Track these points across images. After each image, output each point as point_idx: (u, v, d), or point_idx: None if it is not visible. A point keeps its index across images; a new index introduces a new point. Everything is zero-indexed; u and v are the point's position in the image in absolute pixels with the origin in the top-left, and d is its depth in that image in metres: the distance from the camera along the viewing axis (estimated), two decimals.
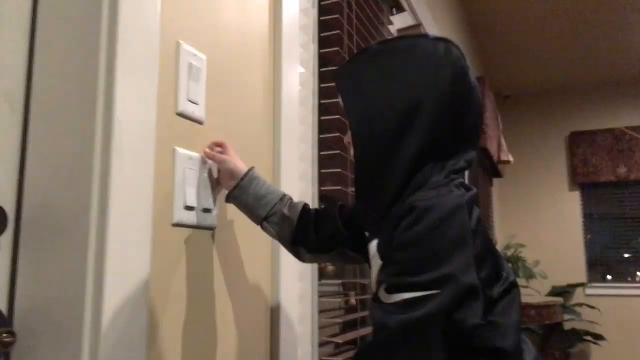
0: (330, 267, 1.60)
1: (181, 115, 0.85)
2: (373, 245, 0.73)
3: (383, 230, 0.70)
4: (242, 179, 0.90)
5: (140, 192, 0.73)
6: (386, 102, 0.72)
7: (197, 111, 0.89)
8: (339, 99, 0.79)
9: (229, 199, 0.92)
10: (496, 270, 0.70)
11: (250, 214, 0.92)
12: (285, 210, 0.90)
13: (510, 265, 3.34)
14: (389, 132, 0.71)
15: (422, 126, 0.71)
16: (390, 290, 0.63)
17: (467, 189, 0.71)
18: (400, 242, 0.65)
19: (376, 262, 0.71)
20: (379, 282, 0.66)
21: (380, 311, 0.63)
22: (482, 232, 0.70)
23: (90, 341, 0.66)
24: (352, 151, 0.77)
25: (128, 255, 0.70)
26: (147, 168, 0.75)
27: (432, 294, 0.60)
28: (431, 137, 0.71)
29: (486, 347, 0.64)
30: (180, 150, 0.84)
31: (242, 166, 0.92)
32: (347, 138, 0.80)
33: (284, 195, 0.93)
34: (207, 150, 0.90)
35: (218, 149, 0.92)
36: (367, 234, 0.77)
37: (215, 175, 0.92)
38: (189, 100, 0.87)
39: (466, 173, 3.27)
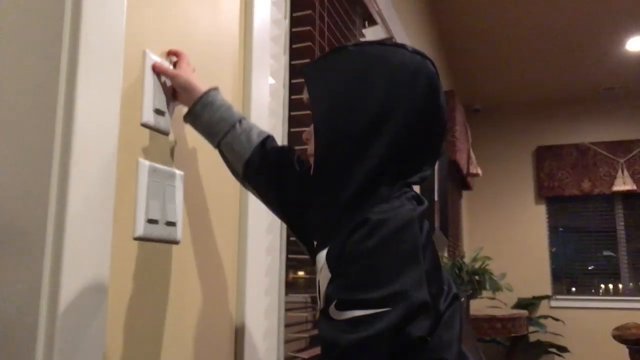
0: (298, 280, 1.59)
1: (146, 126, 0.83)
2: (322, 255, 0.69)
3: (334, 240, 0.67)
4: (195, 103, 0.86)
5: (101, 205, 0.71)
6: (356, 105, 0.70)
7: (163, 122, 0.86)
8: (305, 93, 0.76)
9: (185, 120, 0.89)
10: (441, 284, 0.70)
11: (208, 139, 0.89)
12: (235, 144, 0.85)
13: (477, 277, 3.37)
14: (354, 137, 0.69)
15: (387, 137, 0.69)
16: (341, 306, 0.61)
17: (419, 202, 0.70)
18: (352, 255, 0.63)
19: (325, 274, 0.67)
20: (327, 297, 0.63)
21: (331, 328, 0.61)
22: (431, 245, 0.69)
23: (43, 358, 0.63)
24: (310, 147, 0.75)
25: (86, 269, 0.67)
26: (109, 180, 0.72)
27: (383, 312, 0.59)
28: (394, 150, 0.69)
29: (432, 359, 0.64)
30: (144, 162, 0.82)
31: (195, 83, 0.86)
32: (307, 134, 0.77)
33: (239, 122, 0.86)
34: (158, 63, 0.84)
35: (173, 58, 0.88)
36: (315, 243, 0.74)
37: (181, 189, 0.90)
38: (155, 111, 0.84)
39: (435, 186, 3.29)
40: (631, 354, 2.10)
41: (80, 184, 0.67)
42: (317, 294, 0.72)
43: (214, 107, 0.86)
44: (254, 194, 0.91)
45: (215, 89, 0.88)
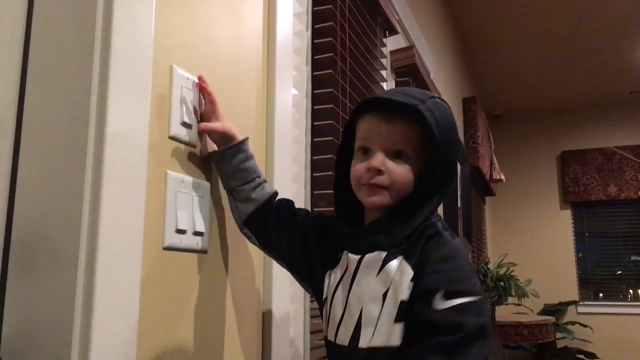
0: None
1: (174, 138, 0.85)
2: (394, 262, 0.78)
3: (409, 249, 0.78)
4: (229, 147, 0.92)
5: (132, 216, 0.73)
6: (449, 153, 0.83)
7: (190, 134, 0.89)
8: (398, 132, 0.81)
9: (210, 157, 0.95)
10: None
11: (223, 180, 0.96)
12: (252, 193, 0.94)
13: (502, 284, 3.34)
14: (447, 178, 0.84)
15: (453, 181, 0.87)
16: (448, 296, 0.73)
17: None
18: (440, 257, 0.76)
19: (406, 274, 0.76)
20: (429, 289, 0.74)
21: (445, 314, 0.72)
22: None
23: None
24: (382, 179, 0.80)
25: (118, 279, 0.70)
26: (139, 192, 0.75)
27: (478, 299, 0.74)
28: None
29: None
30: (172, 174, 0.84)
31: (234, 132, 0.93)
32: (382, 164, 0.80)
33: (260, 176, 0.96)
34: (203, 125, 0.91)
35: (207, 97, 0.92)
36: (381, 253, 0.80)
37: (208, 200, 0.92)
38: (182, 124, 0.87)
39: (458, 193, 3.27)
40: None
41: (112, 196, 0.70)
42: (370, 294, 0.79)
43: (243, 156, 0.94)
44: (250, 238, 0.97)
45: (247, 138, 0.96)
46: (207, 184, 0.93)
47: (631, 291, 5.18)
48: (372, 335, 0.77)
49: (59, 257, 0.68)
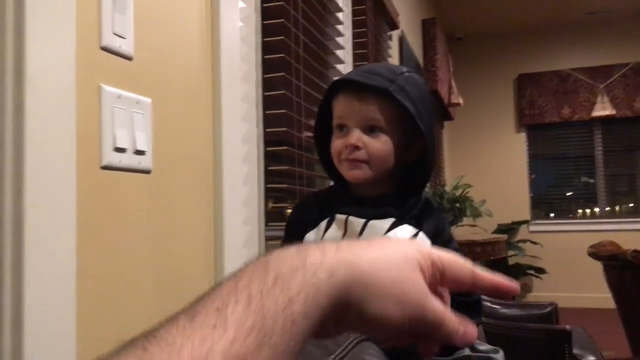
0: (279, 210, 1.58)
1: (106, 49, 0.78)
2: (407, 228, 0.85)
3: (417, 219, 0.87)
4: None
5: (61, 133, 0.68)
6: (431, 120, 0.90)
7: (125, 45, 0.82)
8: (376, 112, 0.85)
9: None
10: None
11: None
12: None
13: (458, 205, 3.42)
14: (435, 143, 0.92)
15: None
16: None
17: None
18: (447, 237, 0.89)
19: (425, 243, 0.83)
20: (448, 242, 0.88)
21: None
22: None
23: (12, 298, 0.61)
24: (360, 153, 0.85)
25: (50, 198, 0.65)
26: (68, 107, 0.69)
27: None
28: None
29: None
30: (107, 88, 0.78)
31: None
32: (359, 140, 0.85)
33: None
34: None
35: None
36: (388, 220, 0.86)
37: (149, 117, 0.86)
38: (115, 34, 0.80)
39: None
40: (605, 269, 2.17)
41: (37, 111, 0.64)
42: None
43: None
44: None
45: None
46: (148, 100, 0.87)
47: (580, 210, 5.41)
48: None
49: None
